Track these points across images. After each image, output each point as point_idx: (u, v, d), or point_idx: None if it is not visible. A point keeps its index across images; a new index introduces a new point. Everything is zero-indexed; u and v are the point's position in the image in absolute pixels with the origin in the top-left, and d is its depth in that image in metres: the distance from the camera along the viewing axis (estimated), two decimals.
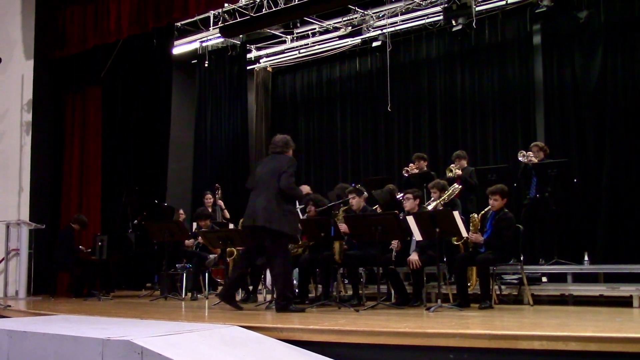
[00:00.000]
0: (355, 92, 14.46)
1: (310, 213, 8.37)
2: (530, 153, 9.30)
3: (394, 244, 7.59)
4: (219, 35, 13.47)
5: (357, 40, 13.95)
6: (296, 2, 11.53)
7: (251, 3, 12.31)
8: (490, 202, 7.51)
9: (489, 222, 7.55)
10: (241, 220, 7.87)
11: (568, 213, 10.50)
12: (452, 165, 9.71)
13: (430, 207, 8.10)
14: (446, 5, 11.64)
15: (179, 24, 12.90)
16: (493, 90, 12.32)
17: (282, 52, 15.09)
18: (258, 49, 15.26)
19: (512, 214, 7.54)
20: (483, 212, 7.58)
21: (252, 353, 4.73)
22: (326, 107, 14.99)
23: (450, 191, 8.50)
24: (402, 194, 8.44)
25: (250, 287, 8.83)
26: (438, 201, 8.26)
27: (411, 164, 10.11)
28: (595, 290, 8.21)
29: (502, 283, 8.26)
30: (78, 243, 10.66)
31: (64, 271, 10.71)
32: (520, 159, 9.32)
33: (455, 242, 7.50)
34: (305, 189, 7.43)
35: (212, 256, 9.78)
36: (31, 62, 11.26)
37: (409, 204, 7.86)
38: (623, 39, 10.69)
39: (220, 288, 10.08)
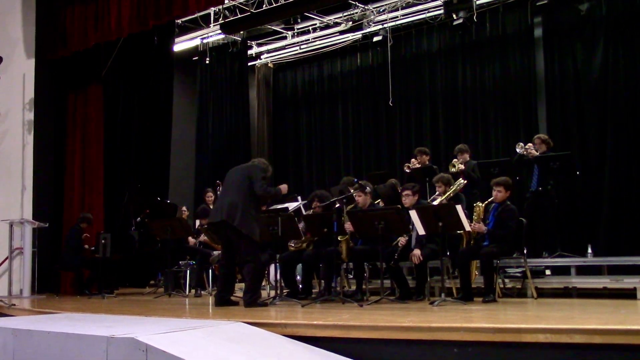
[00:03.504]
0: (356, 87, 14.45)
1: (316, 209, 8.37)
2: (530, 145, 9.28)
3: (402, 240, 7.58)
4: (219, 31, 13.45)
5: (357, 35, 13.91)
6: None
7: None
8: (494, 193, 7.50)
9: (491, 214, 7.54)
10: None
11: (571, 206, 10.49)
12: (454, 160, 9.69)
13: (435, 203, 8.07)
14: None
15: (179, 21, 12.90)
16: (494, 84, 12.29)
17: (283, 48, 15.07)
18: (259, 45, 15.25)
19: (514, 206, 7.53)
20: (487, 202, 7.57)
21: (257, 349, 4.73)
22: (327, 103, 14.98)
23: (456, 186, 8.48)
24: (401, 191, 8.41)
25: None
26: (443, 197, 8.22)
27: (413, 159, 10.10)
28: (598, 282, 8.21)
29: (506, 276, 8.26)
30: (84, 242, 10.66)
31: (70, 270, 10.72)
32: (518, 150, 9.30)
33: (458, 231, 7.47)
34: (283, 188, 7.58)
35: (215, 253, 9.78)
36: (32, 61, 11.26)
37: (409, 200, 7.84)
38: (624, 31, 10.65)
39: None
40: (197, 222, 10.57)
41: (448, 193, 8.26)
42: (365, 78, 14.27)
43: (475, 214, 7.47)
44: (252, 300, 7.08)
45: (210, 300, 8.54)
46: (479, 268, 7.60)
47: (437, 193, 8.37)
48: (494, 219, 7.48)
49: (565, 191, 10.28)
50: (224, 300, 7.33)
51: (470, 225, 7.23)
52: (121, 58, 11.99)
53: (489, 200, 7.57)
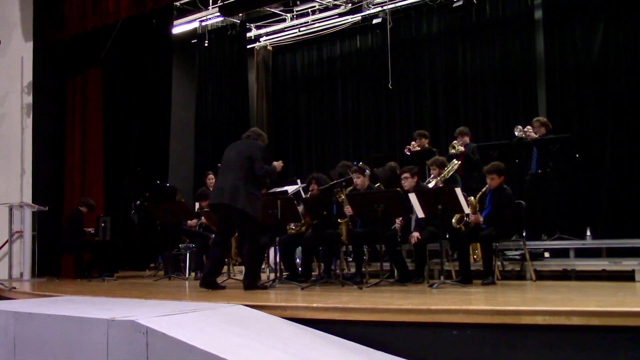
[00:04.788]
0: (356, 69, 14.41)
1: (313, 192, 8.38)
2: (529, 127, 9.27)
3: (398, 222, 7.60)
4: (218, 14, 13.38)
5: (357, 17, 13.85)
6: None
7: None
8: (488, 181, 7.49)
9: (487, 198, 7.55)
10: None
11: (570, 188, 10.48)
12: (454, 141, 9.69)
13: (430, 185, 8.09)
14: None
15: (177, 3, 12.84)
16: (494, 66, 12.25)
17: (282, 30, 15.01)
18: (258, 27, 15.18)
19: (510, 191, 7.51)
20: (480, 193, 7.57)
21: (257, 331, 4.75)
22: (327, 85, 14.95)
23: (450, 167, 8.49)
24: (400, 173, 8.42)
25: None
26: (438, 178, 8.25)
27: (413, 142, 10.09)
28: (597, 265, 8.22)
29: (505, 259, 8.28)
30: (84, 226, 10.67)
31: (70, 253, 10.74)
32: (516, 133, 9.28)
33: (456, 225, 7.49)
34: (278, 164, 7.49)
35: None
36: (30, 44, 11.22)
37: (408, 182, 7.85)
38: (625, 13, 10.58)
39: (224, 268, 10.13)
40: (197, 205, 10.56)
41: (442, 175, 8.28)
42: (364, 61, 14.23)
43: (469, 207, 7.46)
44: (252, 283, 7.10)
45: None
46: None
47: (431, 176, 8.39)
48: (490, 204, 7.49)
49: (565, 174, 10.28)
50: (210, 283, 7.21)
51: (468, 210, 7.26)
52: (119, 41, 11.95)
53: (483, 190, 7.56)
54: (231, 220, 7.26)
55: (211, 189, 10.63)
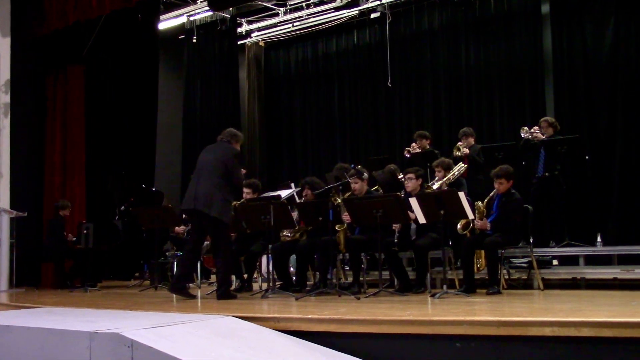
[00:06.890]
0: (353, 67, 14.40)
1: (307, 197, 8.37)
2: (535, 128, 9.28)
3: (396, 227, 7.60)
4: (207, 8, 13.39)
5: (354, 11, 13.85)
6: None
7: None
8: (496, 185, 7.50)
9: (495, 203, 7.55)
10: None
11: (579, 192, 10.51)
12: (459, 143, 9.69)
13: (434, 187, 8.09)
14: None
15: None
16: (499, 63, 12.25)
17: (275, 25, 14.97)
18: (249, 22, 15.16)
19: (519, 196, 7.52)
20: (488, 197, 7.56)
21: (248, 344, 4.74)
22: (323, 83, 14.93)
23: (456, 170, 8.50)
24: (403, 174, 8.42)
25: (245, 276, 8.84)
26: (442, 181, 8.25)
27: (413, 144, 10.10)
28: (608, 273, 8.25)
29: (511, 267, 8.29)
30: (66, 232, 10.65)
31: (51, 262, 10.71)
32: (522, 134, 9.30)
33: (462, 232, 7.49)
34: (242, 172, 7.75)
35: (205, 242, 9.77)
36: (8, 40, 11.18)
37: (412, 184, 7.85)
38: (636, 6, 10.62)
39: (212, 277, 10.14)
40: None
41: (447, 177, 8.29)
42: (362, 57, 14.22)
43: (477, 212, 7.47)
44: (226, 292, 7.33)
45: (199, 293, 8.55)
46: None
47: (436, 178, 8.40)
48: (497, 209, 7.48)
49: (574, 177, 10.30)
50: (179, 289, 7.43)
51: (474, 216, 7.26)
52: (103, 37, 11.93)
53: (491, 194, 7.56)
54: (203, 226, 7.43)
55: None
